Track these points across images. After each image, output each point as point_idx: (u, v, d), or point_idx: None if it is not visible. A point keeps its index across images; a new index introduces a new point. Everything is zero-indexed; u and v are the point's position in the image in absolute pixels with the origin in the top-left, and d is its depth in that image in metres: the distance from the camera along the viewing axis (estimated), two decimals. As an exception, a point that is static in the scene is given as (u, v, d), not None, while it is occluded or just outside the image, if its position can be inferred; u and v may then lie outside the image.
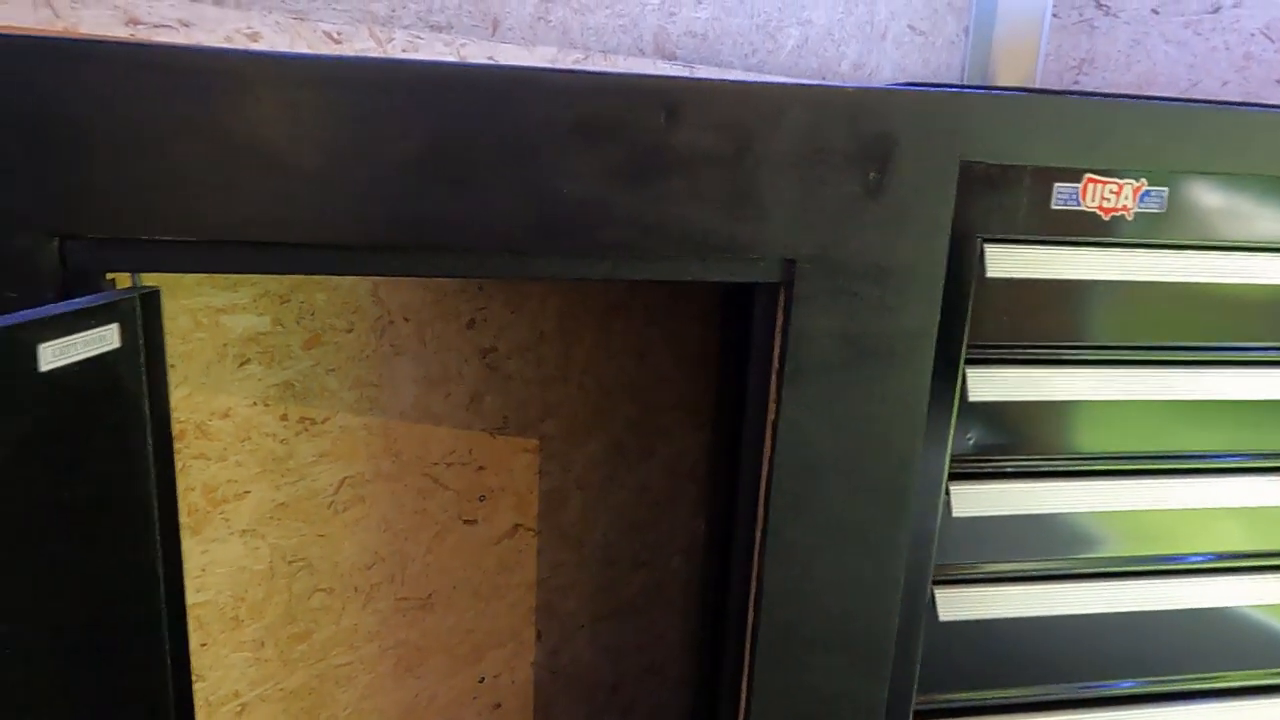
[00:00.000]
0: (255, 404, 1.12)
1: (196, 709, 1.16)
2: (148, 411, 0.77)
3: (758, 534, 0.92)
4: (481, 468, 1.34)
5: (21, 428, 0.64)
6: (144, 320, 0.75)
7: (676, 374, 1.48)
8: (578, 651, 1.53)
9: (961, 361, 0.89)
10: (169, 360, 1.04)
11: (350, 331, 1.17)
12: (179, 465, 1.08)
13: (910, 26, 1.91)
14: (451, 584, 1.36)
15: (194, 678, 1.16)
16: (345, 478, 1.22)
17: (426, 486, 1.30)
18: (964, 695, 1.03)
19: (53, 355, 0.66)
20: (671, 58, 1.42)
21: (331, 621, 1.26)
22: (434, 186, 0.73)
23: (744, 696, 0.96)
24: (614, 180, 0.76)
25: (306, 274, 0.75)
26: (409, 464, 1.27)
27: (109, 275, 0.77)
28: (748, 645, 0.95)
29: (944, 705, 1.02)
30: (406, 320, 1.22)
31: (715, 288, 1.45)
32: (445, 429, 1.30)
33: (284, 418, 1.15)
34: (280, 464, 1.16)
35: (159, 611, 0.81)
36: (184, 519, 1.09)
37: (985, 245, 0.86)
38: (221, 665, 1.17)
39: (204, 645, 1.15)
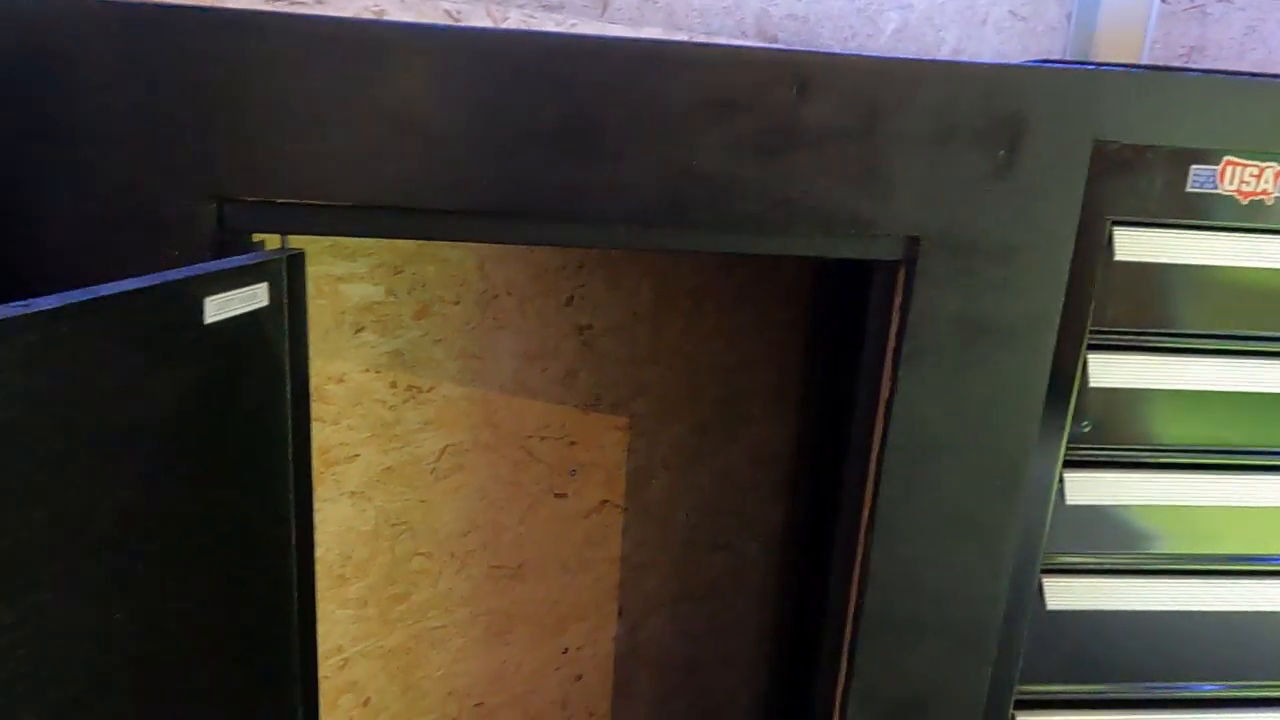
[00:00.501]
0: (368, 370, 1.16)
1: (303, 661, 1.22)
2: (288, 368, 0.80)
3: (864, 515, 0.92)
4: (573, 443, 1.37)
5: (187, 375, 0.68)
6: (289, 281, 0.78)
7: (763, 359, 1.48)
8: (656, 631, 1.55)
9: (1083, 346, 0.87)
10: (292, 325, 1.09)
11: (457, 304, 1.21)
12: (296, 426, 1.12)
13: (1011, 12, 1.86)
14: (541, 555, 1.39)
15: (302, 630, 1.21)
16: (447, 446, 1.25)
17: (521, 458, 1.33)
18: (1065, 687, 1.01)
19: (215, 309, 0.70)
20: (772, 40, 1.42)
21: (429, 585, 1.30)
22: (569, 156, 0.75)
23: (841, 678, 0.96)
24: (744, 154, 0.77)
25: (443, 240, 0.78)
26: (506, 435, 1.30)
27: (255, 237, 0.81)
28: (848, 627, 0.95)
29: (1044, 696, 1.01)
30: (510, 295, 1.25)
31: (808, 273, 1.45)
32: (541, 403, 1.32)
33: (393, 385, 1.19)
34: (388, 429, 1.20)
35: (289, 556, 0.85)
36: (299, 478, 1.14)
37: (1114, 228, 0.84)
38: (327, 620, 1.22)
39: (312, 600, 1.20)
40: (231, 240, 0.76)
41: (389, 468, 1.21)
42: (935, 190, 0.80)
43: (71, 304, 0.53)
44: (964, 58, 1.74)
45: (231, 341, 0.73)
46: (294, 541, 0.85)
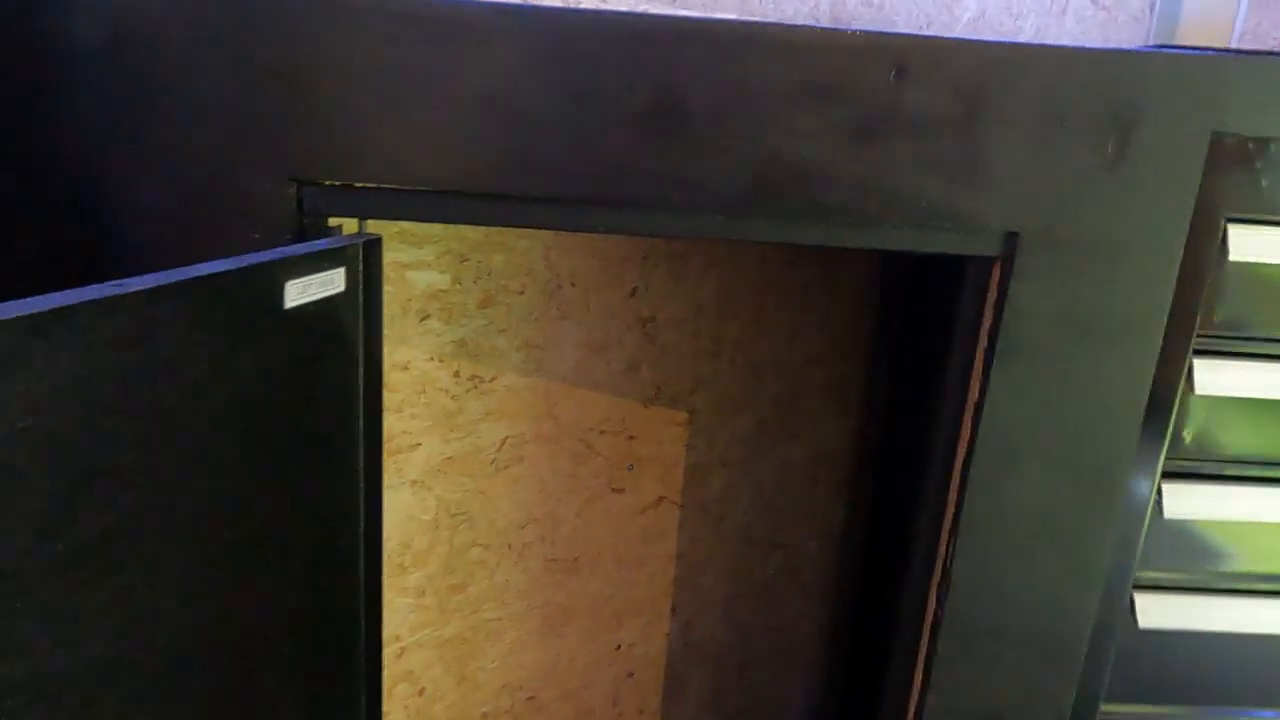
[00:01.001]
0: (432, 359, 1.15)
1: (362, 648, 1.22)
2: (362, 356, 0.79)
3: (947, 521, 0.88)
4: (632, 437, 1.34)
5: (268, 361, 0.67)
6: (365, 266, 0.77)
7: (826, 356, 1.44)
8: (710, 627, 1.52)
9: (1189, 351, 0.82)
10: (359, 311, 1.08)
11: (522, 293, 1.19)
12: (361, 413, 1.12)
13: (1092, 0, 1.79)
14: (597, 550, 1.37)
15: (361, 618, 1.21)
16: (507, 437, 1.24)
17: (580, 451, 1.31)
18: (1152, 708, 0.96)
19: (295, 293, 0.68)
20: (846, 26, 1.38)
21: (486, 576, 1.29)
22: (655, 141, 0.72)
23: (916, 689, 0.93)
24: (835, 141, 0.73)
25: (523, 227, 0.76)
26: (566, 427, 1.29)
27: (332, 221, 0.79)
28: (925, 636, 0.92)
29: (1129, 715, 0.96)
30: (573, 285, 1.23)
31: (875, 269, 1.41)
32: (602, 395, 1.30)
33: (456, 374, 1.17)
34: (450, 419, 1.19)
35: (358, 544, 0.84)
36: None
37: (1230, 225, 0.79)
38: (386, 608, 1.21)
39: (372, 588, 1.19)
40: (310, 225, 0.75)
41: (450, 457, 1.20)
42: (1038, 183, 0.75)
43: (166, 285, 0.52)
44: (1043, 47, 1.68)
45: (309, 327, 0.71)
46: (363, 530, 0.84)
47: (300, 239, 0.75)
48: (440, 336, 1.15)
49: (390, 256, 1.08)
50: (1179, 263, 0.78)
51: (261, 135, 0.72)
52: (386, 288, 1.09)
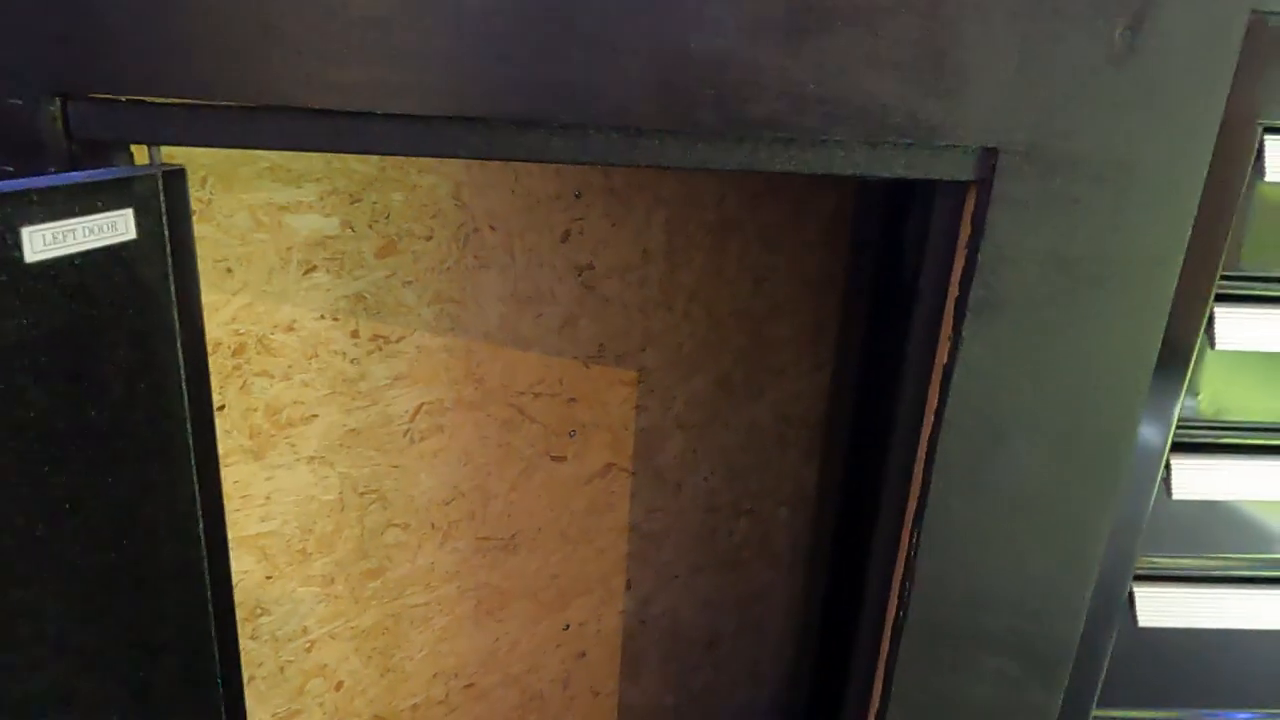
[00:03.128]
0: (323, 317, 0.99)
1: (263, 644, 1.08)
2: (176, 320, 0.63)
3: (910, 506, 0.74)
4: (573, 400, 1.19)
5: (3, 334, 0.51)
6: (168, 207, 0.60)
7: (794, 305, 1.29)
8: (671, 603, 1.40)
9: (1210, 298, 0.67)
10: (226, 263, 0.92)
11: (429, 239, 1.02)
12: (240, 383, 0.96)
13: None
14: (537, 525, 1.24)
15: (259, 612, 1.08)
16: (422, 404, 1.09)
17: (512, 418, 1.16)
18: (1151, 713, 0.83)
19: (42, 243, 0.52)
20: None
21: (406, 559, 1.15)
22: (528, 41, 0.55)
23: (877, 698, 0.79)
24: (763, 34, 0.56)
25: (359, 152, 0.59)
26: (493, 392, 1.13)
27: (132, 148, 0.63)
28: (886, 641, 0.78)
29: (1125, 722, 0.83)
30: (493, 229, 1.06)
31: (847, 206, 1.24)
32: (534, 355, 1.15)
33: (355, 334, 1.02)
34: (351, 386, 1.03)
35: (198, 550, 0.69)
36: (246, 442, 0.99)
37: (1267, 136, 0.62)
38: (289, 600, 1.08)
39: (270, 578, 1.06)
40: (82, 154, 0.58)
41: (354, 429, 1.05)
42: (1026, 84, 0.58)
43: None
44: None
45: (79, 286, 0.55)
46: (201, 526, 0.69)
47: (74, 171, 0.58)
48: (331, 291, 0.98)
49: (262, 197, 0.91)
50: (1202, 187, 0.62)
51: (5, 32, 0.55)
52: (259, 235, 0.92)
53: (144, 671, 0.66)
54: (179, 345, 0.64)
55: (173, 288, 0.62)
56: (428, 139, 0.59)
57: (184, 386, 0.65)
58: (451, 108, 0.58)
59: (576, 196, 1.10)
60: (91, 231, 0.55)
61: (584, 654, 1.36)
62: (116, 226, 0.58)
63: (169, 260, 0.62)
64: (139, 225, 0.59)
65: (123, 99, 0.57)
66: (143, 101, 0.58)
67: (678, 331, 1.23)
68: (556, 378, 1.17)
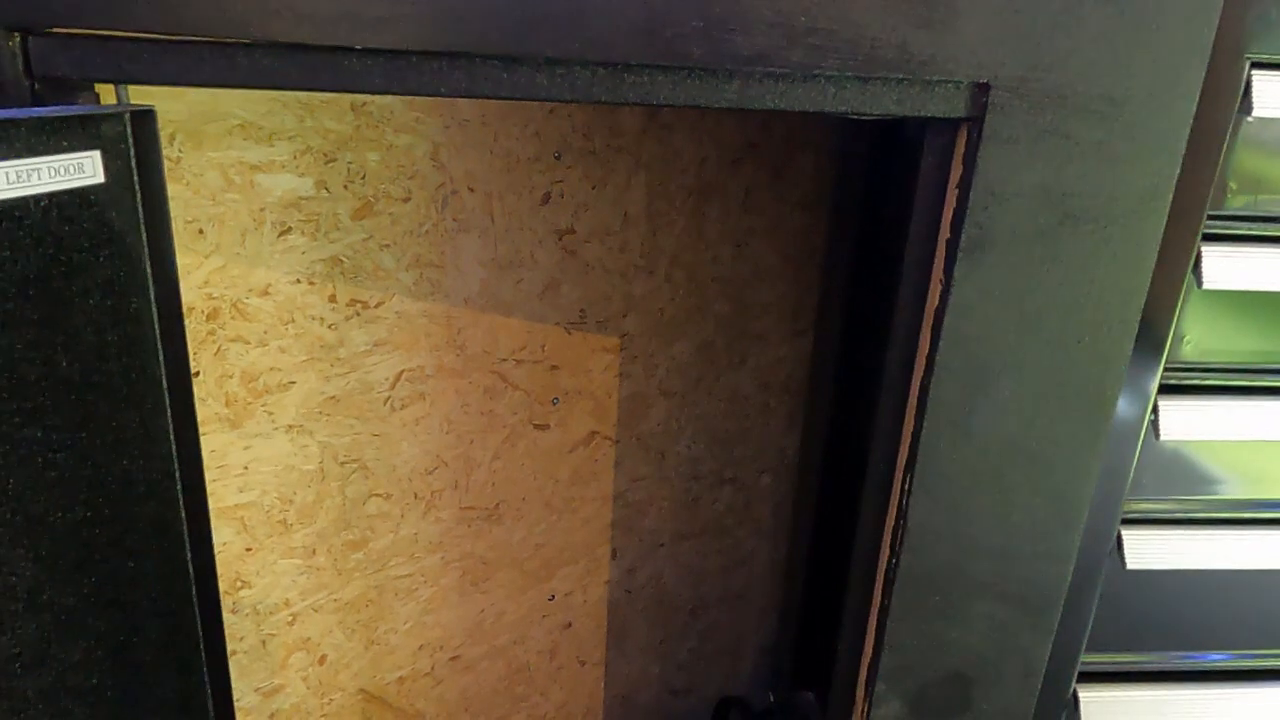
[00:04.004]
0: (299, 281, 0.97)
1: (244, 617, 1.06)
2: (149, 269, 0.61)
3: (902, 453, 0.73)
4: (555, 367, 1.18)
5: (-35, 275, 0.48)
6: (137, 150, 0.58)
7: (777, 270, 1.28)
8: (656, 571, 1.39)
9: (1198, 236, 0.67)
10: (197, 224, 0.89)
11: (407, 201, 1.00)
12: (214, 349, 0.94)
13: None
14: (521, 494, 1.22)
15: (240, 584, 1.05)
16: (403, 371, 1.07)
17: (494, 385, 1.14)
18: (1137, 657, 0.84)
19: (5, 181, 0.50)
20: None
21: (390, 530, 1.13)
22: (506, -35, 0.54)
23: (869, 649, 0.79)
24: (751, -37, 0.55)
25: (338, 90, 0.57)
26: (474, 359, 1.12)
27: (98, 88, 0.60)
28: (878, 588, 0.78)
29: (1112, 667, 0.84)
30: (472, 191, 1.04)
31: (830, 168, 1.23)
32: (516, 320, 1.13)
33: (332, 299, 0.99)
34: (329, 352, 1.01)
35: (176, 510, 0.67)
36: (222, 409, 0.96)
37: (1254, 72, 0.62)
38: (270, 572, 1.06)
39: (249, 550, 1.04)
40: (50, 93, 0.55)
41: (333, 397, 1.03)
42: (1014, 14, 0.58)
43: None
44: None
45: (41, 230, 0.53)
46: (179, 486, 0.67)
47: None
48: (307, 254, 0.96)
49: (233, 155, 0.89)
50: (1190, 122, 0.62)
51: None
52: (230, 195, 0.90)
53: (122, 634, 0.64)
54: (152, 295, 0.61)
55: (144, 235, 0.60)
56: (407, 76, 0.57)
57: (159, 339, 0.63)
58: (431, 42, 0.56)
59: (556, 158, 1.08)
60: (57, 173, 0.53)
61: (570, 624, 1.36)
62: (83, 168, 0.55)
63: (139, 206, 0.59)
64: (107, 168, 0.57)
65: (86, 33, 0.55)
66: (107, 37, 0.56)
67: (659, 296, 1.22)
68: (539, 344, 1.16)
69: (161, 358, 0.63)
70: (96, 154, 0.56)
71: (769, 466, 1.41)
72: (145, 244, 0.60)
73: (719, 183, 1.20)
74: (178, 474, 0.66)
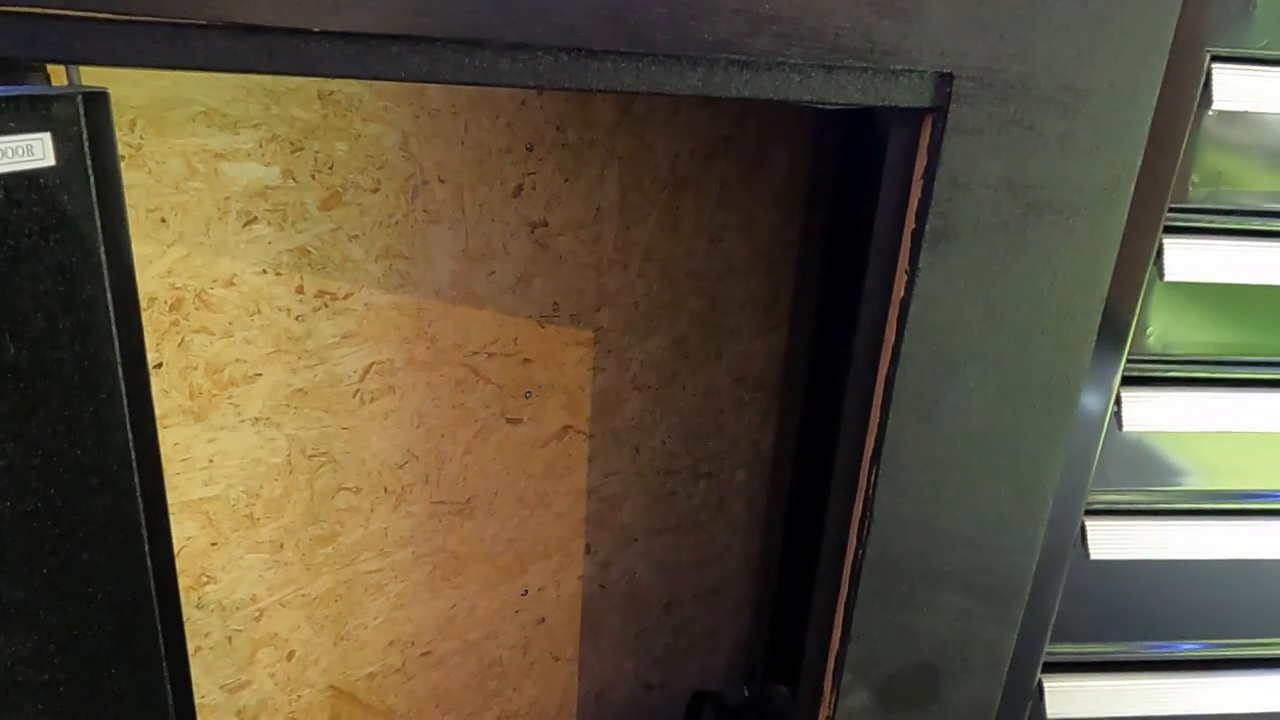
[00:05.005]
0: (265, 272, 0.95)
1: (209, 613, 1.05)
2: (103, 255, 0.60)
3: (869, 444, 0.74)
4: (528, 360, 1.17)
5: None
6: (90, 133, 0.57)
7: (750, 266, 1.28)
8: (630, 566, 1.39)
9: (1159, 228, 0.67)
10: (160, 213, 0.88)
11: (376, 191, 0.99)
12: (178, 339, 0.92)
13: None
14: (493, 489, 1.22)
15: (205, 579, 1.04)
16: (372, 364, 1.06)
17: (465, 378, 1.14)
18: (1103, 647, 0.85)
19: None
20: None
21: (359, 524, 1.12)
22: (467, -52, 0.53)
23: (836, 640, 0.79)
24: (715, -51, 0.55)
25: (297, 74, 0.56)
26: (445, 352, 1.11)
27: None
28: (845, 579, 0.78)
29: (1078, 657, 0.85)
30: (442, 182, 1.03)
31: (804, 162, 1.24)
32: (488, 313, 1.12)
33: (299, 290, 0.98)
34: (297, 344, 1.00)
35: (133, 502, 0.66)
36: (186, 402, 0.95)
37: (1214, 65, 0.63)
38: (236, 567, 1.04)
39: (214, 545, 1.02)
40: (0, 76, 0.54)
41: (300, 389, 1.02)
42: (978, 6, 0.58)
43: None
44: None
45: (-4, 213, 0.52)
46: (136, 476, 0.66)
47: (-12, 95, 0.54)
48: (273, 244, 0.95)
49: (196, 143, 0.87)
50: (1152, 114, 0.62)
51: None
52: (194, 183, 0.88)
53: (76, 628, 0.62)
54: (107, 282, 0.60)
55: (98, 220, 0.59)
56: (367, 60, 0.56)
57: (113, 326, 0.61)
58: (391, 26, 0.55)
59: (528, 150, 1.07)
60: (4, 155, 0.52)
61: (543, 619, 1.35)
62: (33, 150, 0.54)
63: (93, 190, 0.58)
64: (58, 151, 0.55)
65: (36, 12, 0.54)
66: (58, 16, 0.54)
67: (633, 290, 1.22)
68: (511, 337, 1.15)
69: (117, 346, 0.62)
70: (47, 136, 0.54)
71: (743, 461, 1.41)
72: (99, 229, 0.59)
73: (693, 177, 1.20)
74: (135, 464, 0.65)
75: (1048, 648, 0.82)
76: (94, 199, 0.58)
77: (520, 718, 1.39)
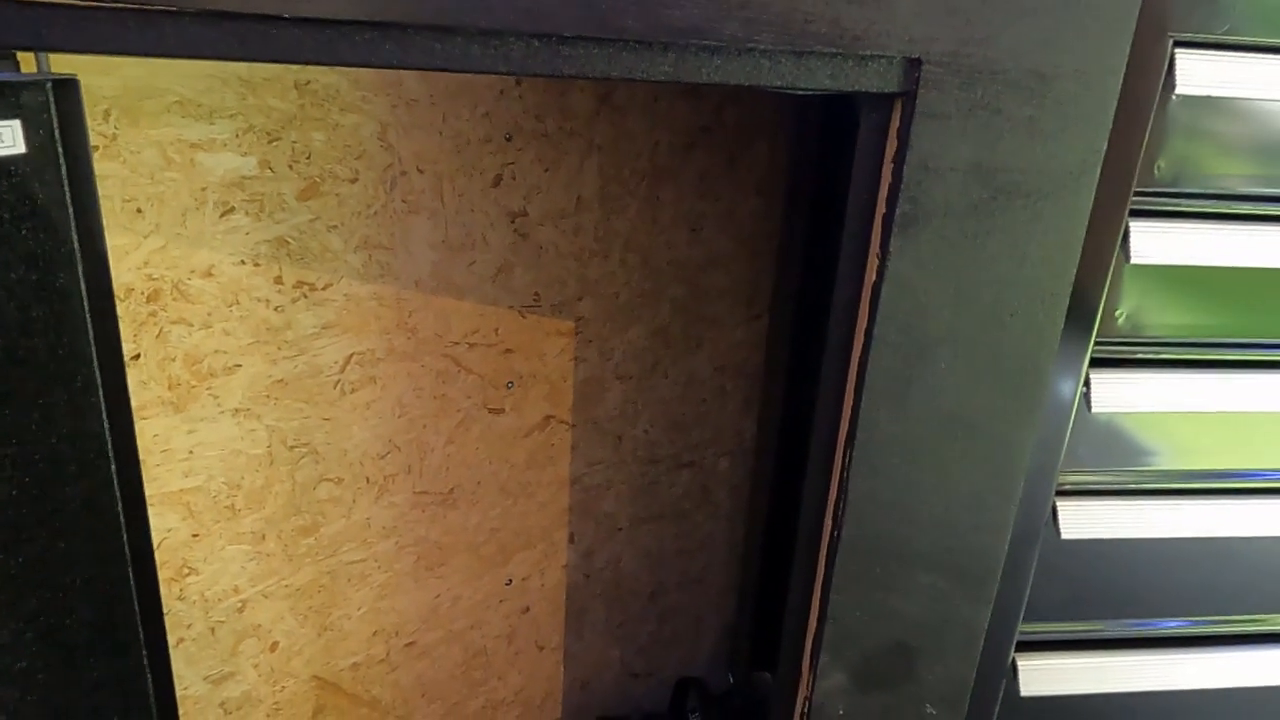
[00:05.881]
0: (243, 263, 0.95)
1: (191, 604, 1.05)
2: (76, 243, 0.60)
3: (843, 427, 0.75)
4: (509, 350, 1.18)
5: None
6: (60, 120, 0.57)
7: (731, 256, 1.29)
8: (614, 555, 1.40)
9: (1125, 211, 0.68)
10: (135, 203, 0.88)
11: (355, 181, 0.99)
12: (155, 331, 0.92)
13: None
14: (476, 479, 1.22)
15: (186, 571, 1.04)
16: (353, 354, 1.06)
17: (447, 369, 1.14)
18: (1074, 625, 0.86)
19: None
20: None
21: (341, 515, 1.12)
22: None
23: (813, 621, 0.81)
24: (683, -65, 0.55)
25: (267, 60, 0.56)
26: (426, 342, 1.11)
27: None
28: (822, 561, 0.79)
29: (1050, 635, 0.86)
30: (421, 172, 1.03)
31: (783, 151, 1.24)
32: (468, 304, 1.13)
33: (278, 281, 0.98)
34: (276, 335, 1.00)
35: (110, 491, 0.66)
36: (165, 393, 0.95)
37: (1178, 50, 0.64)
38: (217, 558, 1.05)
39: (196, 536, 1.02)
40: (-34, 60, 0.54)
41: (280, 380, 1.02)
42: (946, -8, 0.59)
43: None
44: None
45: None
46: (113, 465, 0.66)
47: (-44, 82, 0.54)
48: (251, 235, 0.95)
49: (172, 133, 0.87)
50: (1117, 98, 0.63)
51: None
52: (169, 173, 0.88)
53: (54, 615, 0.63)
54: (80, 271, 0.60)
55: (70, 209, 0.59)
56: (338, 46, 0.56)
57: (88, 315, 0.61)
58: (362, 12, 0.55)
59: (507, 140, 1.08)
60: (-28, 141, 0.52)
61: (528, 609, 1.36)
62: (2, 138, 0.54)
63: (65, 179, 0.58)
64: (28, 139, 0.55)
65: None
66: (25, 1, 0.54)
67: (614, 280, 1.22)
68: (492, 327, 1.15)
69: (91, 335, 0.62)
70: (16, 123, 0.54)
71: (726, 450, 1.42)
72: (72, 218, 0.59)
73: (673, 167, 1.20)
74: (111, 453, 0.65)
75: (1021, 626, 0.83)
76: (66, 187, 0.58)
77: (506, 707, 1.40)
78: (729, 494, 1.45)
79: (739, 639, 1.51)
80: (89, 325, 0.62)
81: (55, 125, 0.57)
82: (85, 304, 0.61)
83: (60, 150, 0.57)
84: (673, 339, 1.30)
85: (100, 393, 0.63)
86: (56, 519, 0.62)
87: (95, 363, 0.63)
